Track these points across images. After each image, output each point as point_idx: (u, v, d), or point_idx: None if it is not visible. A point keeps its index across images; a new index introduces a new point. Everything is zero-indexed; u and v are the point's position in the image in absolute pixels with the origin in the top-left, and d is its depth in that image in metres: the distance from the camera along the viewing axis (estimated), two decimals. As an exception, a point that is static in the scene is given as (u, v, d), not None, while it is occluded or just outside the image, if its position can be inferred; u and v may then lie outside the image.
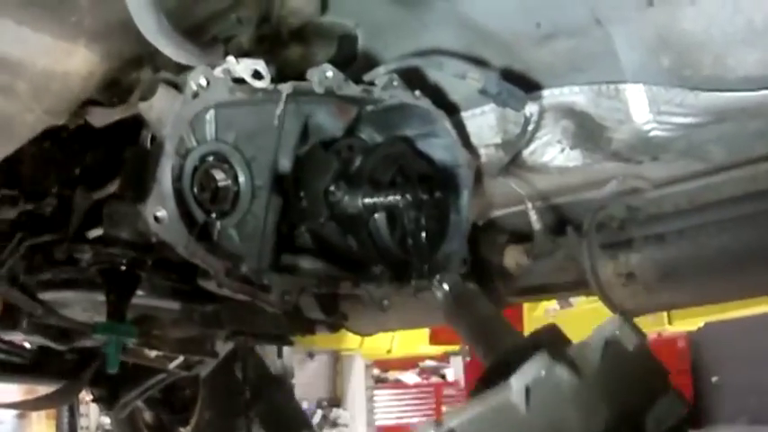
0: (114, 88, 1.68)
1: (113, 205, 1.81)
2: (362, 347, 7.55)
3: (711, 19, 1.43)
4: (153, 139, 1.65)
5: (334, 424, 11.54)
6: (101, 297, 1.98)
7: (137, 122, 1.70)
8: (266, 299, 1.69)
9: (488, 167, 1.98)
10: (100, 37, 1.45)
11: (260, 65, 1.61)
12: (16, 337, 2.71)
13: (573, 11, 1.58)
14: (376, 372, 11.80)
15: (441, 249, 1.95)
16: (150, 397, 3.59)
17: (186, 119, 1.57)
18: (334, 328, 2.83)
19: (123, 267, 1.85)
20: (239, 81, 1.60)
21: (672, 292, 2.06)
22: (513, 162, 1.92)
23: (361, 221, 1.84)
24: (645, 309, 2.16)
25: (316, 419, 11.37)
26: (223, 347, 3.05)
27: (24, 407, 5.20)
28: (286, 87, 1.66)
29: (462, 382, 11.69)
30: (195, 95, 1.56)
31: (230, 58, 1.59)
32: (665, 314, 5.15)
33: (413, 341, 7.55)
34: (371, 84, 1.81)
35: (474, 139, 1.94)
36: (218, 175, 1.65)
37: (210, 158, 1.63)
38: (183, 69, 1.59)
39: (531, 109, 1.78)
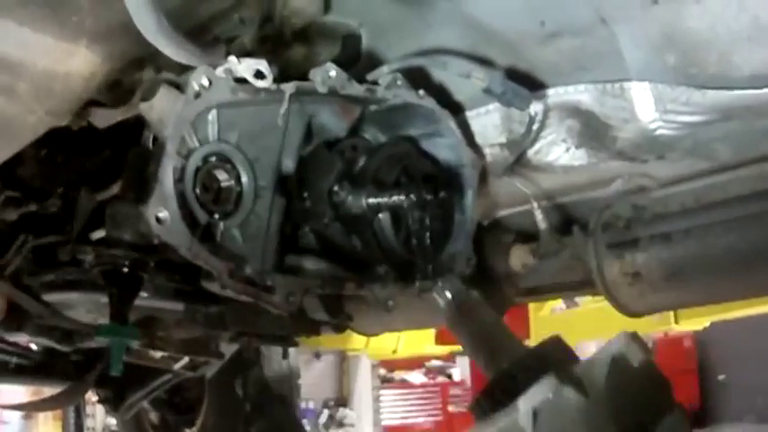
0: (116, 89, 1.68)
1: (115, 206, 1.80)
2: (368, 347, 7.54)
3: (717, 16, 1.42)
4: (155, 139, 1.64)
5: (341, 424, 11.55)
6: (104, 299, 1.98)
7: (142, 123, 1.70)
8: (270, 300, 1.68)
9: (493, 167, 1.97)
10: (101, 37, 1.45)
11: (262, 65, 1.60)
12: (22, 338, 2.72)
13: (577, 10, 1.57)
14: (382, 372, 11.80)
15: (445, 249, 1.95)
16: (156, 398, 3.60)
17: (188, 119, 1.56)
18: (340, 328, 2.82)
19: (125, 269, 1.85)
20: (241, 81, 1.59)
21: (678, 291, 2.05)
22: (518, 161, 1.92)
23: (366, 222, 1.83)
24: (651, 308, 2.15)
25: (322, 419, 11.40)
26: (228, 348, 3.04)
27: (30, 408, 5.21)
28: (289, 87, 1.66)
29: (468, 382, 11.72)
30: (197, 96, 1.55)
31: (232, 58, 1.58)
32: (671, 313, 5.13)
33: (419, 341, 7.54)
34: (375, 83, 1.80)
35: (479, 139, 1.94)
36: (221, 176, 1.64)
37: (213, 159, 1.62)
38: (184, 70, 1.58)
39: (535, 108, 1.78)
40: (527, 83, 1.76)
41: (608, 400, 1.37)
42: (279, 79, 1.64)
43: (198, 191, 1.60)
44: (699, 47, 1.48)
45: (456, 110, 1.91)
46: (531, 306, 5.84)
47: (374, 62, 1.87)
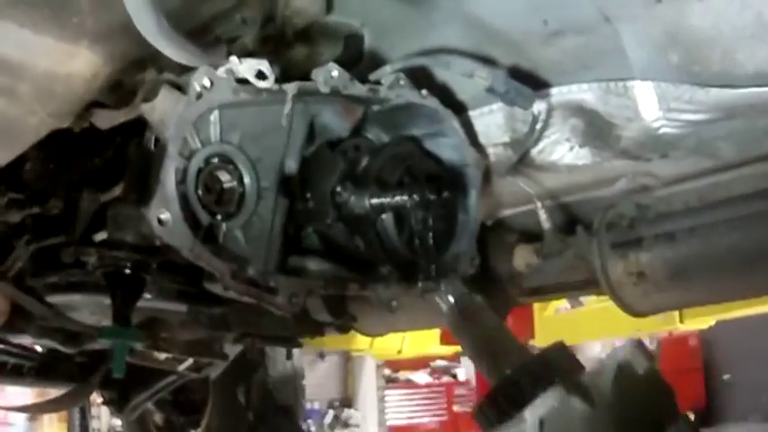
0: (118, 90, 1.68)
1: (117, 208, 1.80)
2: (373, 348, 7.54)
3: (720, 14, 1.41)
4: (157, 140, 1.64)
5: (346, 424, 11.57)
6: (108, 300, 1.98)
7: (144, 124, 1.69)
8: (273, 301, 1.67)
9: (497, 166, 1.97)
10: (102, 39, 1.44)
11: (263, 65, 1.60)
12: (26, 340, 2.72)
13: (580, 8, 1.57)
14: (387, 372, 11.82)
15: (449, 250, 1.94)
16: (161, 399, 3.60)
17: (190, 120, 1.55)
18: (344, 329, 2.82)
19: (128, 271, 1.84)
20: (243, 82, 1.59)
21: (683, 290, 2.04)
22: (522, 161, 1.91)
23: (369, 222, 1.82)
24: (655, 308, 2.15)
25: (327, 420, 11.41)
26: (232, 350, 3.04)
27: (35, 409, 5.21)
28: (291, 87, 1.65)
29: (473, 382, 11.71)
30: (199, 96, 1.55)
31: (233, 59, 1.57)
32: (676, 313, 5.13)
33: (423, 341, 7.53)
34: (378, 83, 1.80)
35: (482, 139, 1.93)
36: (223, 177, 1.64)
37: (215, 160, 1.61)
38: (186, 70, 1.58)
39: (539, 107, 1.77)
40: (530, 82, 1.75)
41: (614, 409, 1.36)
42: (281, 80, 1.63)
43: (200, 192, 1.60)
44: (702, 45, 1.48)
45: (459, 109, 1.90)
46: (536, 306, 5.84)
47: (377, 62, 1.86)
